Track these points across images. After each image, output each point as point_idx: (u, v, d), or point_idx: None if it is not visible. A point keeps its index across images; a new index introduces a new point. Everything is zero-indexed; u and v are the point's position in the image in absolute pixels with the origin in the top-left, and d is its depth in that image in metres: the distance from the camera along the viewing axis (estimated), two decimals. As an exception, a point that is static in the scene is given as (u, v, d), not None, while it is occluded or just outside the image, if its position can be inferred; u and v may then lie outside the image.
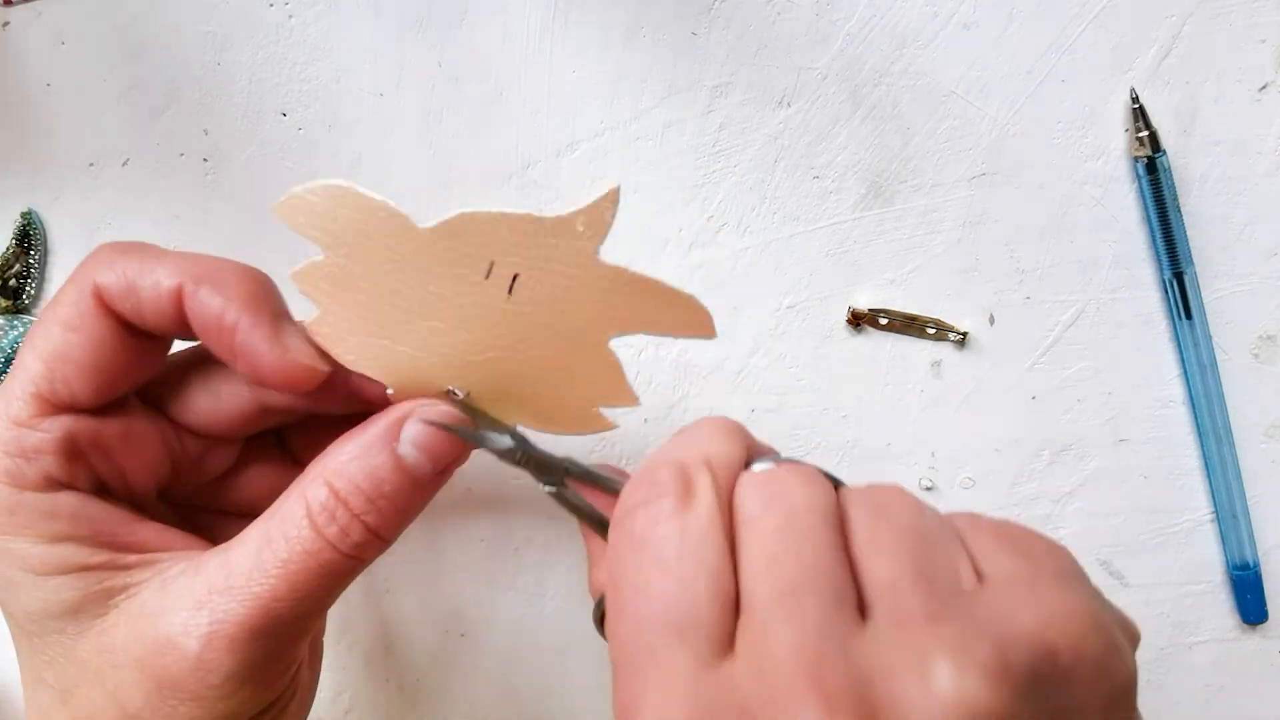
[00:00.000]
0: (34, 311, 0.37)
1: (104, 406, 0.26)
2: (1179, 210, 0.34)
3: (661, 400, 0.36)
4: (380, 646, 0.38)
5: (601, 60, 0.35)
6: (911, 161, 0.35)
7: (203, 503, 0.29)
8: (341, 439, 0.25)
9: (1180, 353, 0.35)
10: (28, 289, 0.37)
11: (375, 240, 0.25)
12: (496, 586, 0.37)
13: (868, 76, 0.35)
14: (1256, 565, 0.35)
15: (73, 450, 0.25)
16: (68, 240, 0.37)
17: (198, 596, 0.24)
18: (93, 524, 0.25)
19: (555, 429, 0.27)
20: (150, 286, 0.24)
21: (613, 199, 0.24)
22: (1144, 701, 0.38)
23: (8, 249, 0.36)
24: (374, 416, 0.25)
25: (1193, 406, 0.35)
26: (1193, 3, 0.34)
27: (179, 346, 0.28)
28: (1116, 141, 0.34)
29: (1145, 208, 0.34)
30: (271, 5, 0.35)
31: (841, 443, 0.36)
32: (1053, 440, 0.36)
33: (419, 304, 0.25)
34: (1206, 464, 0.35)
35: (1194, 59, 0.34)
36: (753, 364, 0.36)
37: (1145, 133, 0.34)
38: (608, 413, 0.26)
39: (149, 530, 0.26)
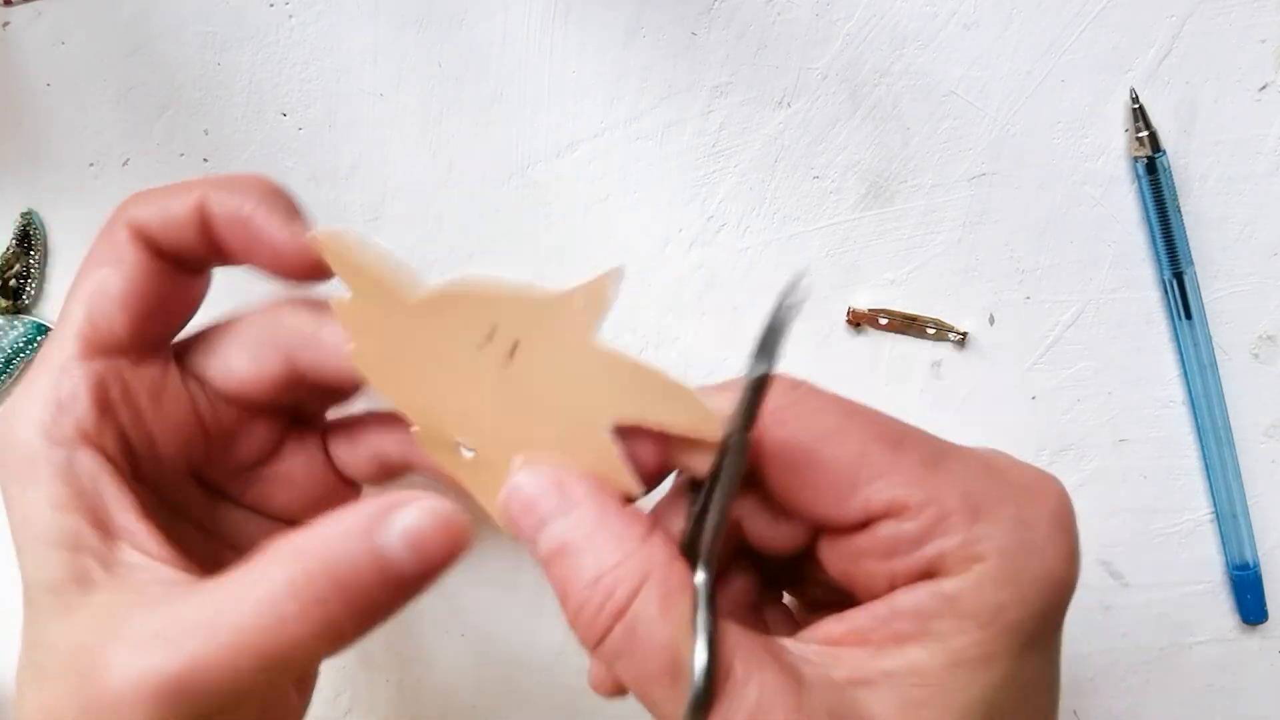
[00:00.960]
0: (34, 311, 0.37)
1: (144, 356, 0.26)
2: (1179, 210, 0.34)
3: (661, 400, 0.36)
4: (380, 646, 0.38)
5: (601, 60, 0.35)
6: (911, 161, 0.35)
7: (236, 494, 0.29)
8: (328, 515, 0.23)
9: (1180, 353, 0.35)
10: (28, 289, 0.37)
11: (388, 294, 0.25)
12: (496, 586, 0.37)
13: (868, 76, 0.35)
14: (1256, 565, 0.35)
15: (104, 400, 0.25)
16: (68, 240, 0.37)
17: (149, 632, 0.22)
18: (98, 500, 0.24)
19: None
20: (177, 206, 0.25)
21: (614, 278, 0.22)
22: (1144, 701, 0.38)
23: (8, 249, 0.36)
24: (369, 500, 0.23)
25: (1193, 406, 0.35)
26: (1193, 3, 0.34)
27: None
28: (1116, 141, 0.34)
29: (1145, 208, 0.34)
30: (271, 5, 0.35)
31: (841, 443, 0.36)
32: (1053, 440, 0.36)
33: (428, 356, 0.25)
34: (1206, 464, 0.35)
35: (1194, 59, 0.34)
36: (753, 364, 0.36)
37: (1145, 133, 0.34)
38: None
39: (146, 530, 0.24)
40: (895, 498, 0.22)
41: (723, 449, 0.22)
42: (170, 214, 0.26)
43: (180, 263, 0.27)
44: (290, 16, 0.36)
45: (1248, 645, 0.36)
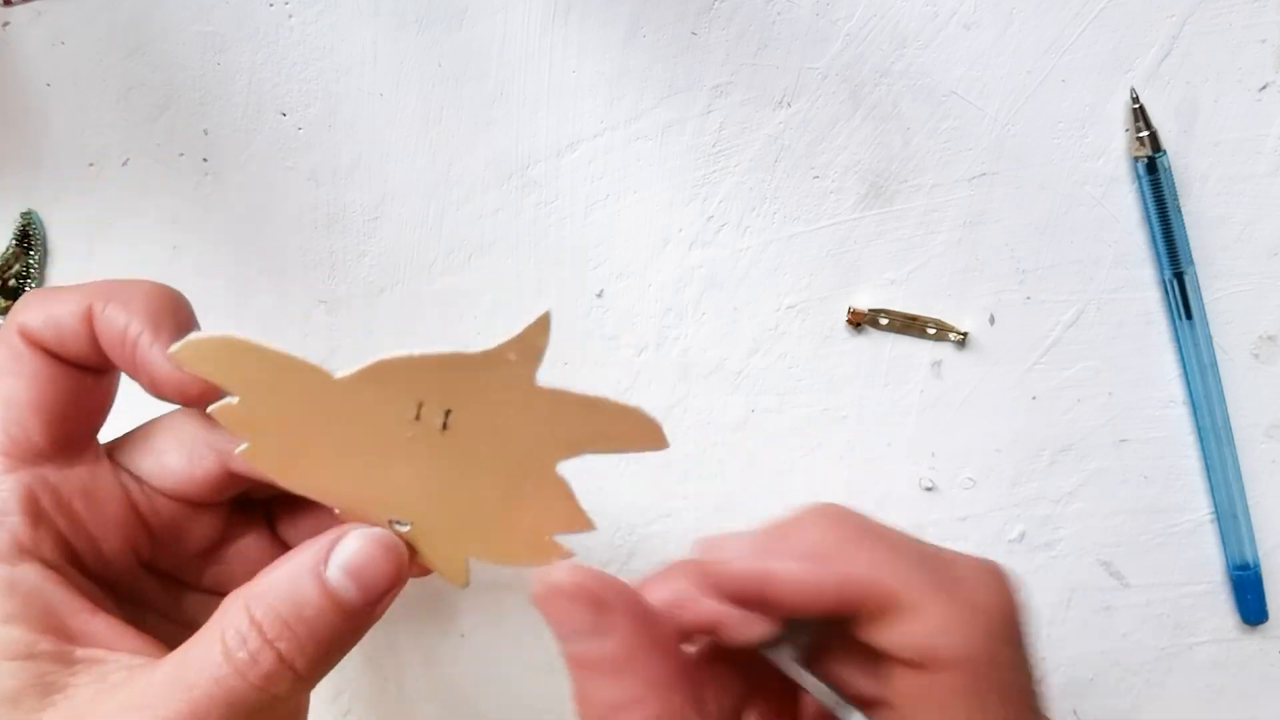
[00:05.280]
0: (34, 311, 0.37)
1: (68, 459, 0.26)
2: (1179, 210, 0.34)
3: (661, 401, 0.36)
4: (380, 646, 0.38)
5: (601, 60, 0.35)
6: (911, 161, 0.35)
7: (193, 580, 0.29)
8: (275, 562, 0.24)
9: (1180, 353, 0.35)
10: (28, 289, 0.36)
11: (285, 392, 0.24)
12: (496, 587, 0.37)
13: (868, 76, 0.35)
14: (1256, 565, 0.35)
15: (36, 509, 0.24)
16: (68, 240, 0.37)
17: (116, 708, 0.22)
18: (47, 607, 0.24)
19: (507, 561, 0.26)
20: (66, 315, 0.25)
21: (543, 326, 0.23)
22: (1144, 701, 0.38)
23: (8, 249, 0.36)
24: (310, 540, 0.24)
25: (1193, 406, 0.35)
26: (1193, 3, 0.34)
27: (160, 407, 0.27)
28: (1117, 141, 0.34)
29: (1145, 208, 0.34)
30: (271, 5, 0.35)
31: (841, 443, 0.36)
32: (1053, 440, 0.36)
33: (348, 443, 0.25)
34: (1206, 464, 0.35)
35: (1194, 59, 0.34)
36: (753, 364, 0.36)
37: (1145, 133, 0.34)
38: (564, 540, 0.26)
39: (101, 624, 0.24)
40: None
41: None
42: (61, 323, 0.25)
43: (81, 366, 0.26)
44: (290, 16, 0.36)
45: (1248, 645, 0.36)
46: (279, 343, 0.27)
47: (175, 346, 0.24)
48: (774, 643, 0.23)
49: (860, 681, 0.23)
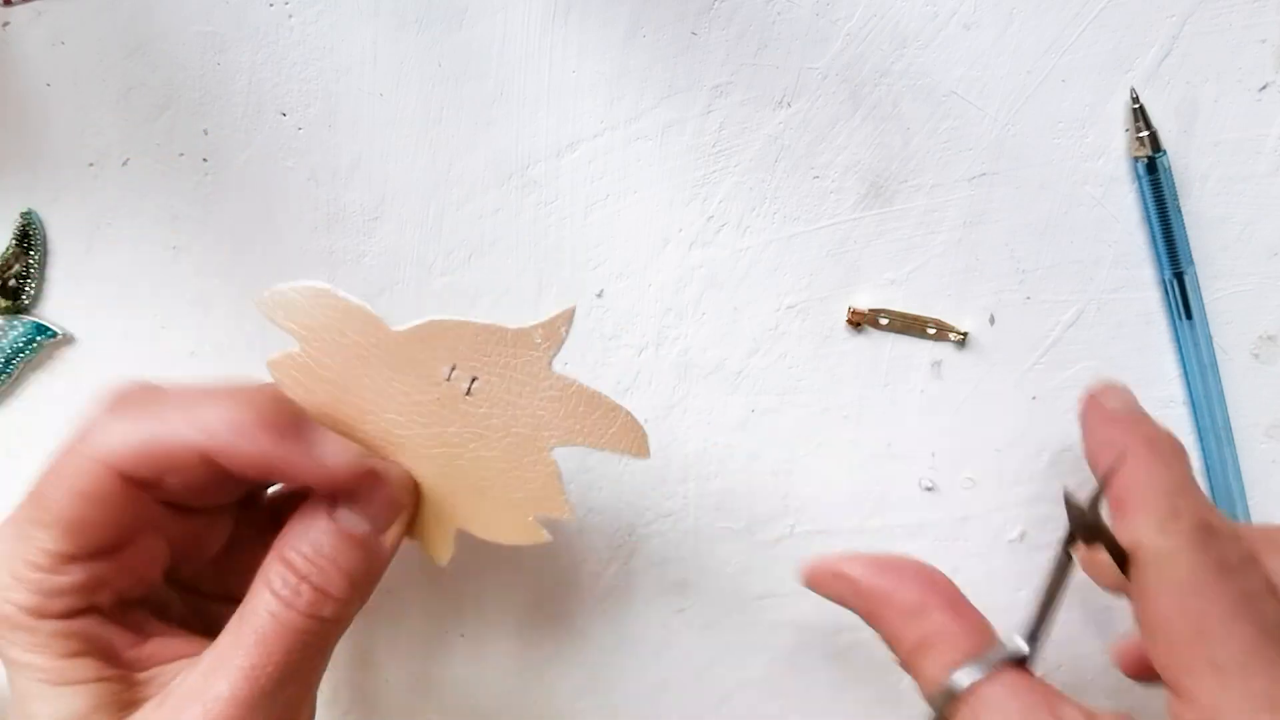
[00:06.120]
0: (34, 311, 0.37)
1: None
2: (1179, 210, 0.34)
3: (662, 400, 0.36)
4: (380, 646, 0.38)
5: (601, 60, 0.35)
6: (911, 161, 0.35)
7: (210, 589, 0.30)
8: (297, 513, 0.27)
9: (1180, 353, 0.35)
10: (27, 289, 0.37)
11: (349, 339, 0.27)
12: (496, 586, 0.37)
13: (868, 76, 0.35)
14: (1257, 565, 0.35)
15: (94, 584, 0.26)
16: (68, 240, 0.37)
17: (191, 691, 0.25)
18: (107, 644, 0.26)
19: (491, 536, 0.29)
20: (171, 455, 0.25)
21: (567, 318, 0.27)
22: (1144, 702, 0.38)
23: (8, 249, 0.36)
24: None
25: (1193, 406, 0.35)
26: (1193, 3, 0.34)
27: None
28: (1117, 141, 0.34)
29: (1145, 208, 0.34)
30: (271, 5, 0.35)
31: (841, 443, 0.36)
32: (1053, 440, 0.36)
33: (382, 398, 0.28)
34: (1206, 464, 0.35)
35: (1194, 59, 0.34)
36: (753, 364, 0.36)
37: (1145, 133, 0.34)
38: (546, 526, 0.29)
39: (156, 645, 0.27)
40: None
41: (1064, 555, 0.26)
42: (167, 466, 0.25)
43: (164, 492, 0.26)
44: (290, 16, 0.36)
45: (1248, 645, 0.36)
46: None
47: (264, 296, 0.27)
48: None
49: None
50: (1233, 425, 0.35)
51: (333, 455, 0.26)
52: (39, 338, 0.36)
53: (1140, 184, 0.34)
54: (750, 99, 0.35)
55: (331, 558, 0.26)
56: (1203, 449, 0.35)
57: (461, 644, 0.38)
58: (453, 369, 0.27)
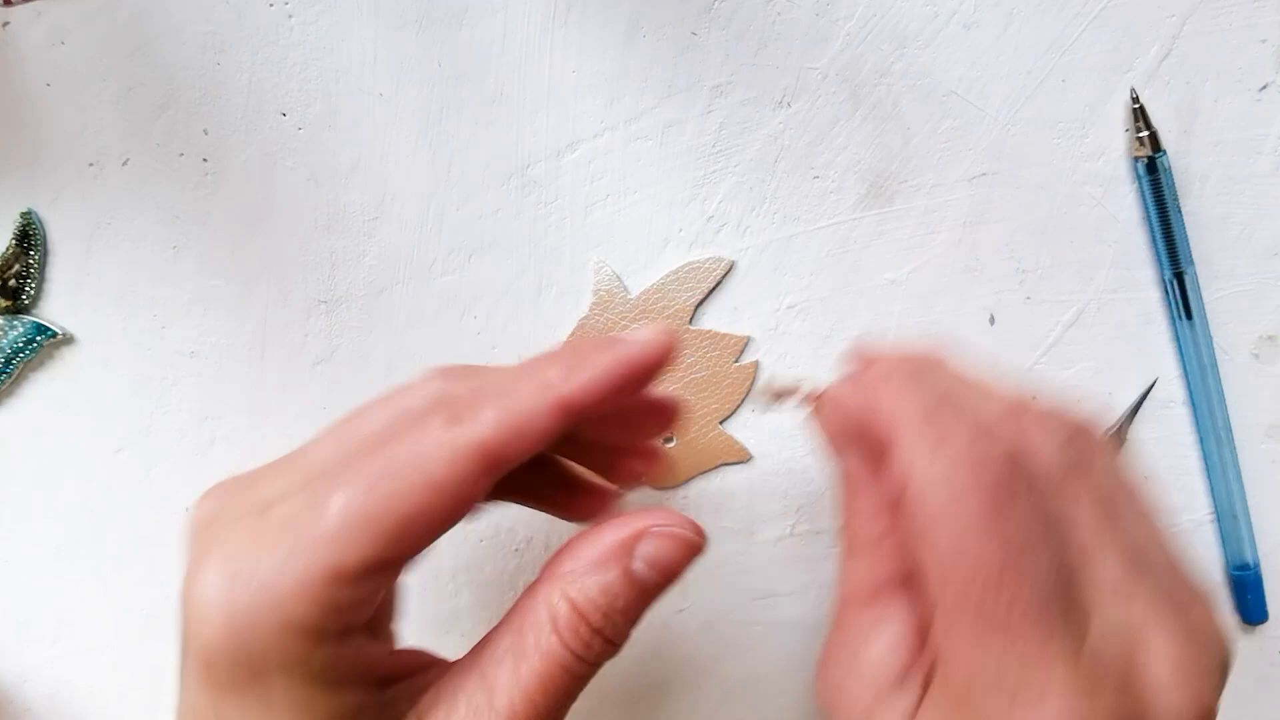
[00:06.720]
0: (33, 311, 0.37)
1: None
2: (1179, 210, 0.34)
3: (661, 400, 0.36)
4: (380, 646, 0.38)
5: (601, 60, 0.35)
6: (911, 161, 0.35)
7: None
8: (576, 543, 0.25)
9: (1180, 353, 0.35)
10: (27, 289, 0.37)
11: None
12: (496, 586, 0.37)
13: (868, 76, 0.35)
14: (1256, 565, 0.35)
15: (376, 599, 0.24)
16: (68, 240, 0.37)
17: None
18: (367, 663, 0.24)
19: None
20: (535, 424, 0.23)
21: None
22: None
23: (8, 249, 0.36)
24: (606, 524, 0.25)
25: (1193, 406, 0.35)
26: (1193, 3, 0.34)
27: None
28: (1117, 141, 0.34)
29: (1145, 208, 0.34)
30: (271, 5, 0.36)
31: (841, 443, 0.36)
32: (1053, 440, 0.36)
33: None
34: (1206, 464, 0.35)
35: (1194, 59, 0.34)
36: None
37: (1145, 133, 0.34)
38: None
39: (402, 655, 0.26)
40: None
41: None
42: (532, 433, 0.23)
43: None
44: (290, 16, 0.36)
45: (1248, 645, 0.36)
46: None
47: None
48: None
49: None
50: (1233, 425, 0.35)
51: (647, 334, 0.24)
52: (39, 338, 0.36)
53: (1140, 184, 0.34)
54: (750, 99, 0.35)
55: (624, 610, 0.24)
56: (1203, 449, 0.35)
57: (462, 644, 0.38)
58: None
